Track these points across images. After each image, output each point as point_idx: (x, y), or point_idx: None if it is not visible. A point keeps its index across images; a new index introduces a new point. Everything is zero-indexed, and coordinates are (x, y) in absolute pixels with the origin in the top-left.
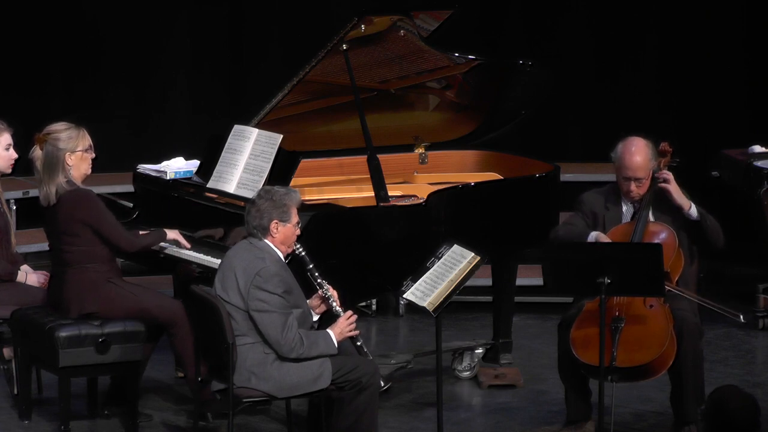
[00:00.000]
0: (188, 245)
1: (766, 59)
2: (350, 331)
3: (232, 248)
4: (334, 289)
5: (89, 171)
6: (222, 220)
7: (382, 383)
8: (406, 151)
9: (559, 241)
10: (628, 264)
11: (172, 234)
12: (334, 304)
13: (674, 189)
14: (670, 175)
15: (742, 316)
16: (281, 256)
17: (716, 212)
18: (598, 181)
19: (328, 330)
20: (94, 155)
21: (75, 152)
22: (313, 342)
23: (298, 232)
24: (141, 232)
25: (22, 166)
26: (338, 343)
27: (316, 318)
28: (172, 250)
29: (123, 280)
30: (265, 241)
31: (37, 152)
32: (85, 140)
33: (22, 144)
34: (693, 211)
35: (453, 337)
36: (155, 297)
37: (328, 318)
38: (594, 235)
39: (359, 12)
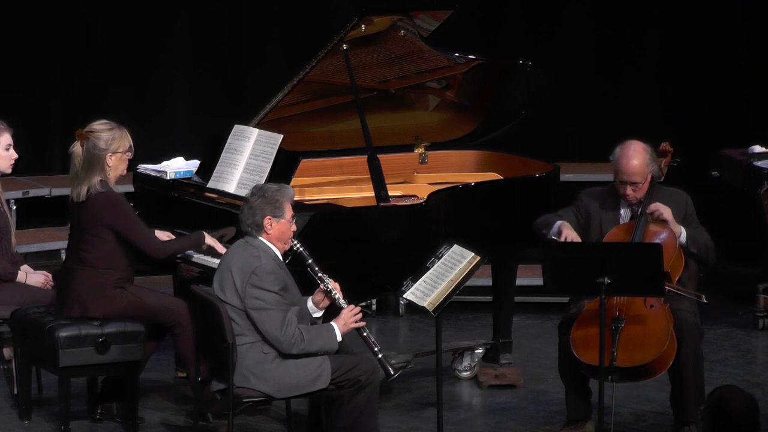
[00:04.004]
0: (223, 250)
1: (766, 59)
2: (355, 322)
3: (229, 248)
4: (335, 282)
5: (125, 172)
6: (222, 220)
7: (392, 371)
8: (406, 151)
9: (535, 229)
10: (628, 264)
11: (211, 240)
12: (337, 296)
13: (669, 218)
14: (660, 207)
15: (704, 297)
16: (278, 253)
17: (716, 212)
18: (597, 182)
19: (332, 322)
20: (132, 155)
21: (116, 153)
22: (314, 335)
23: (293, 228)
24: (170, 236)
25: (22, 166)
26: (342, 336)
27: (319, 314)
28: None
29: (132, 284)
30: (260, 238)
31: (77, 148)
32: (126, 141)
33: (22, 144)
34: (682, 238)
35: (453, 337)
36: (160, 298)
37: (333, 312)
38: (558, 225)
39: (359, 12)
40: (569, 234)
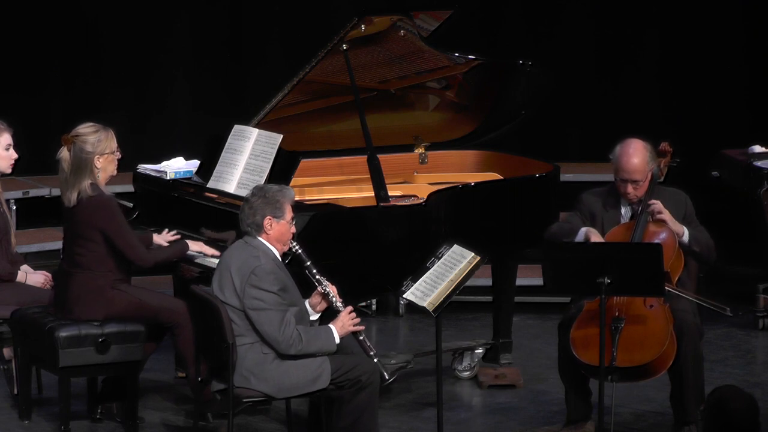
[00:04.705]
0: (216, 252)
1: (766, 59)
2: (352, 325)
3: (228, 248)
4: (333, 285)
5: (115, 172)
6: (222, 220)
7: (387, 376)
8: (406, 151)
9: (551, 238)
10: (628, 264)
11: (196, 246)
12: (334, 299)
13: (668, 218)
14: (661, 206)
15: (728, 309)
16: (277, 254)
17: (716, 212)
18: (597, 181)
19: (330, 325)
20: (120, 156)
21: (104, 155)
22: (312, 337)
23: (293, 229)
24: (155, 237)
25: (22, 166)
26: (340, 339)
27: (316, 317)
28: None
29: (130, 285)
30: (260, 239)
31: (64, 153)
32: (113, 142)
33: (22, 144)
34: (685, 238)
35: (453, 337)
36: (159, 299)
37: (330, 315)
38: (583, 231)
39: (359, 12)
40: (598, 241)
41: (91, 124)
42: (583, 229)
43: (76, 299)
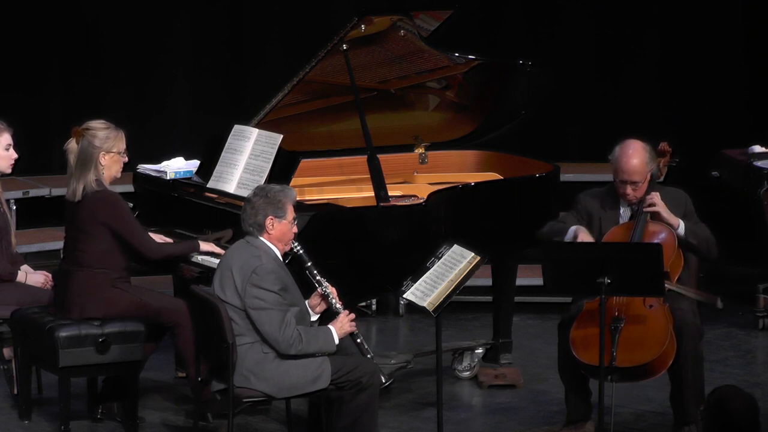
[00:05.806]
0: (220, 251)
1: (766, 59)
2: (350, 327)
3: (229, 248)
4: (333, 287)
5: (119, 174)
6: (222, 220)
7: (383, 379)
8: (406, 151)
9: (542, 238)
10: (628, 264)
11: (206, 246)
12: (334, 301)
13: (663, 210)
14: (656, 198)
15: (719, 300)
16: (278, 254)
17: (716, 212)
18: (597, 182)
19: (329, 326)
20: (127, 159)
21: (110, 153)
22: (312, 337)
23: (295, 229)
24: (164, 239)
25: (22, 166)
26: (339, 340)
27: (315, 317)
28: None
29: (130, 284)
30: (261, 239)
31: (72, 145)
32: (122, 143)
33: (22, 144)
34: (681, 230)
35: (453, 337)
36: (160, 298)
37: (328, 317)
38: (573, 230)
39: (359, 12)
40: (586, 239)
41: (104, 121)
42: (573, 228)
43: (76, 298)
